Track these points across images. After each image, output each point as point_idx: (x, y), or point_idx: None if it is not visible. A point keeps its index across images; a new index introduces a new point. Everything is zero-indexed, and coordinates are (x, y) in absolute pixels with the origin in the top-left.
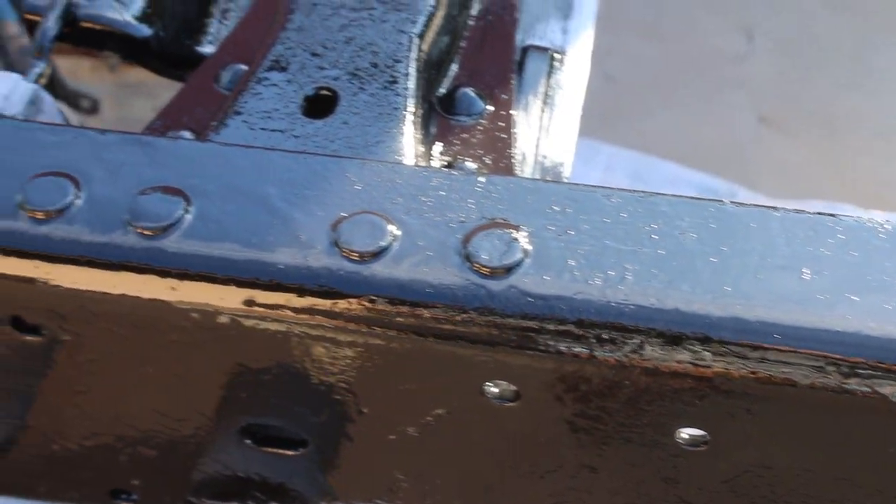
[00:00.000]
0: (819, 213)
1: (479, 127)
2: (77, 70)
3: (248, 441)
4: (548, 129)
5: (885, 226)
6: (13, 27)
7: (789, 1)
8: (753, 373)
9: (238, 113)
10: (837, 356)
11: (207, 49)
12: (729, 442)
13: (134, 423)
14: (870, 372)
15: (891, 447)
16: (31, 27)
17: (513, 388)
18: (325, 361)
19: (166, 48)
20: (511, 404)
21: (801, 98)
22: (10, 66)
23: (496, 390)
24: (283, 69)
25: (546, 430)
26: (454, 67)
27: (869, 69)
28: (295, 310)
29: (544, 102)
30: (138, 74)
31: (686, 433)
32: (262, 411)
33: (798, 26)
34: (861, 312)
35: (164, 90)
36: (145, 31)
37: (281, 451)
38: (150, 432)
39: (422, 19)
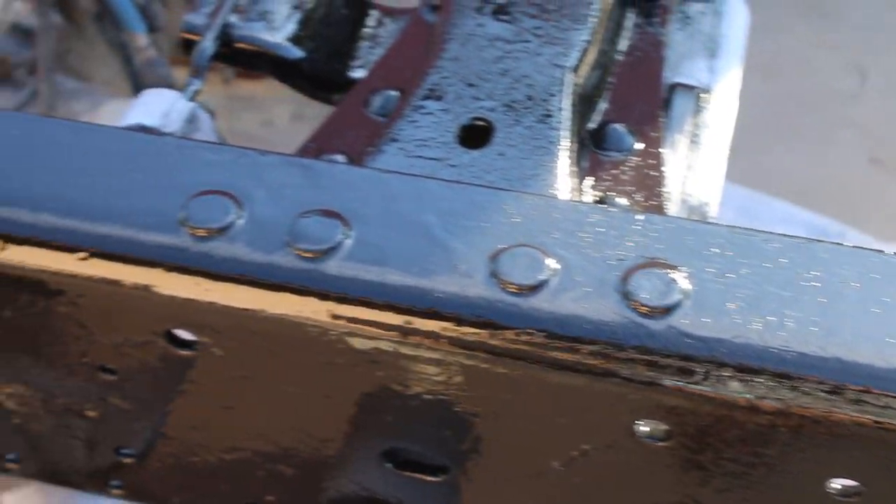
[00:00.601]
0: None
1: (629, 163)
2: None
3: (389, 465)
4: (694, 168)
5: None
6: (142, 39)
7: None
8: None
9: (394, 140)
10: None
11: (357, 73)
12: (882, 493)
13: (276, 440)
14: None
15: None
16: (187, 46)
17: (663, 427)
18: (476, 392)
19: (317, 70)
20: (661, 444)
21: None
22: (135, 77)
23: (647, 429)
24: (440, 98)
25: (695, 472)
26: (603, 104)
27: None
28: (451, 340)
29: (691, 141)
30: (250, 88)
31: (838, 483)
32: (406, 436)
33: None
34: None
35: (274, 104)
36: (297, 53)
37: (422, 475)
38: (291, 450)
39: (575, 53)
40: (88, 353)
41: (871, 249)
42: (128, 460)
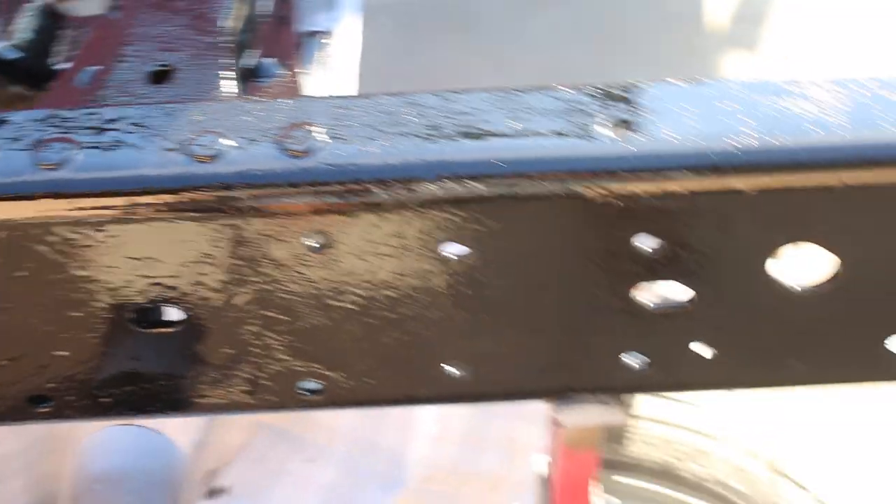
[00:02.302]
0: None
1: (277, 84)
2: None
3: (138, 328)
4: (324, 82)
5: None
6: None
7: None
8: None
9: (101, 90)
10: None
11: (64, 66)
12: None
13: (43, 330)
14: None
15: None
16: None
17: (325, 235)
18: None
19: (30, 66)
20: (323, 252)
21: None
22: None
23: (313, 243)
24: (130, 56)
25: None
26: (257, 50)
27: None
28: (167, 206)
29: (321, 66)
30: None
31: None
32: (142, 296)
33: None
34: None
35: None
36: (15, 54)
37: (163, 329)
38: (54, 337)
39: (225, 17)
40: None
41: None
42: None
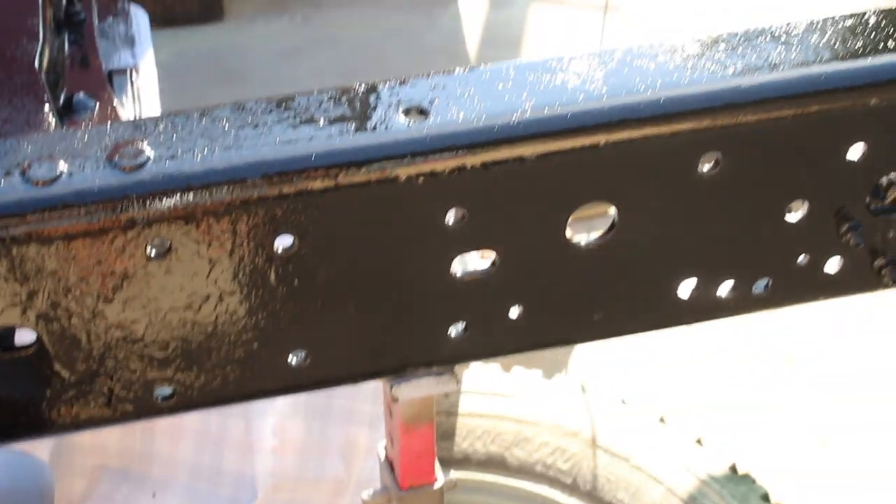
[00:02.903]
0: None
1: (94, 118)
2: None
3: None
4: (138, 112)
5: None
6: None
7: None
8: None
9: None
10: None
11: None
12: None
13: None
14: None
15: None
16: None
17: (167, 244)
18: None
19: None
20: (164, 259)
21: None
22: None
23: (154, 252)
24: None
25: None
26: (63, 87)
27: None
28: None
29: (133, 98)
30: None
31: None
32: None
33: None
34: None
35: None
36: None
37: (16, 353)
38: None
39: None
40: None
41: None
42: None
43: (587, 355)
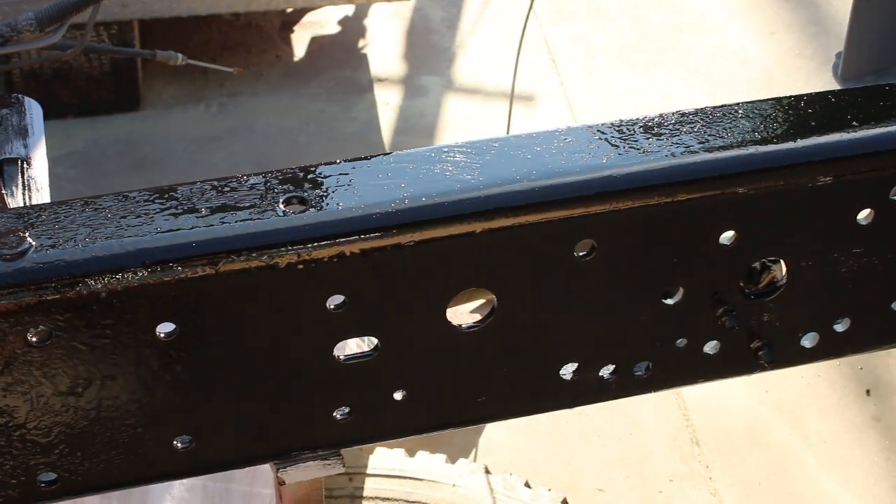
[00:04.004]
0: None
1: None
2: None
3: None
4: (31, 199)
5: None
6: None
7: None
8: None
9: None
10: None
11: None
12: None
13: None
14: None
15: None
16: None
17: (49, 331)
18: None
19: None
20: (46, 345)
21: None
22: None
23: (35, 339)
24: None
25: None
26: None
27: None
28: None
29: (24, 187)
30: None
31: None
32: None
33: None
34: None
35: None
36: None
37: None
38: None
39: None
40: None
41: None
42: None
43: (493, 436)
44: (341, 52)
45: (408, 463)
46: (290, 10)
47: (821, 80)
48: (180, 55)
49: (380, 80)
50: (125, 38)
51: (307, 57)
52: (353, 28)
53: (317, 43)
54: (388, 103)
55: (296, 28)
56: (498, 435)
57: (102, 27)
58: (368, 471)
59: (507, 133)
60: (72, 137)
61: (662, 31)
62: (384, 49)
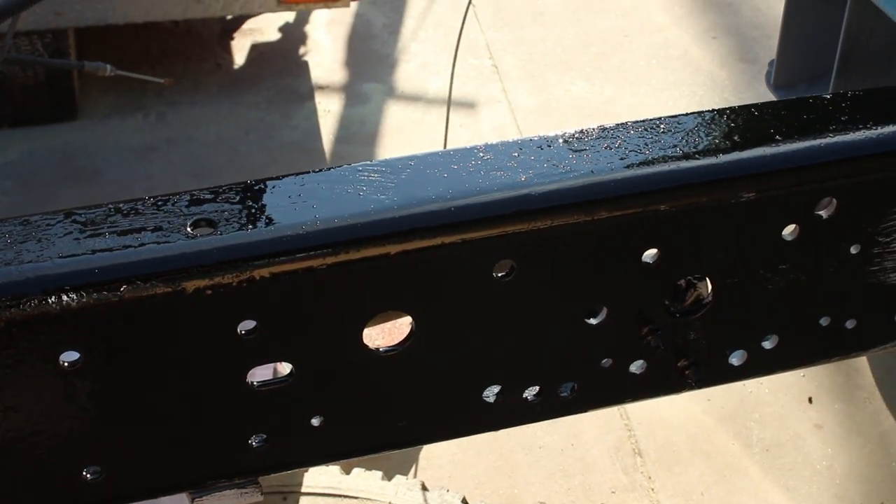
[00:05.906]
0: None
1: None
2: None
3: None
4: None
5: None
6: None
7: None
8: None
9: None
10: None
11: None
12: None
13: None
14: None
15: None
16: None
17: None
18: None
19: None
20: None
21: None
22: None
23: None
24: None
25: None
26: None
27: None
28: None
29: None
30: None
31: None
32: None
33: None
34: None
35: None
36: None
37: None
38: None
39: None
40: None
41: None
42: None
43: (433, 450)
44: (282, 59)
45: (343, 481)
46: (229, 17)
47: (762, 85)
48: (108, 66)
49: (321, 87)
50: (60, 48)
51: (247, 65)
52: (293, 35)
53: (257, 50)
54: (329, 111)
55: (236, 35)
56: (438, 449)
57: (36, 36)
58: (303, 489)
59: (445, 141)
60: (6, 149)
61: (605, 35)
62: (325, 56)
